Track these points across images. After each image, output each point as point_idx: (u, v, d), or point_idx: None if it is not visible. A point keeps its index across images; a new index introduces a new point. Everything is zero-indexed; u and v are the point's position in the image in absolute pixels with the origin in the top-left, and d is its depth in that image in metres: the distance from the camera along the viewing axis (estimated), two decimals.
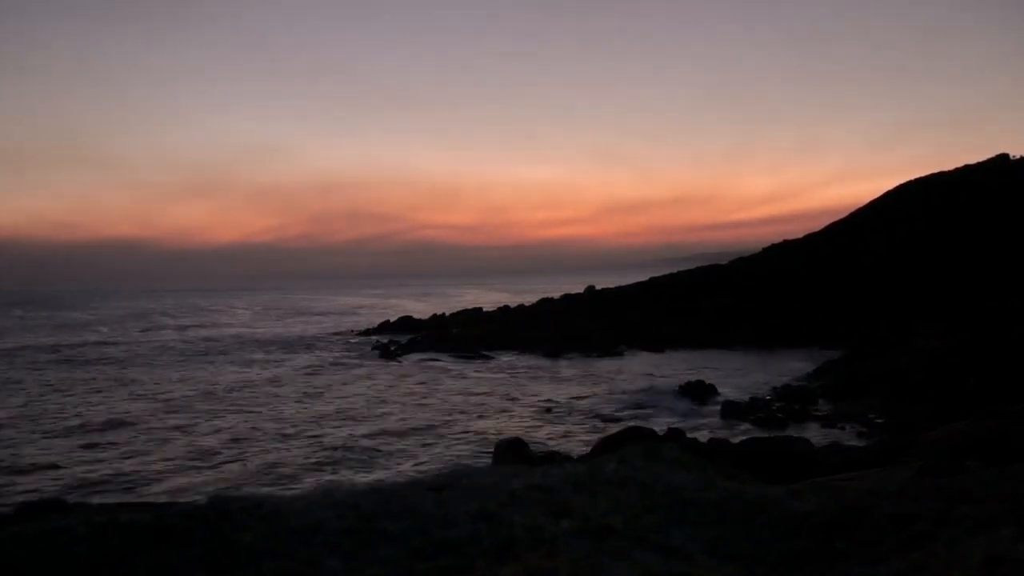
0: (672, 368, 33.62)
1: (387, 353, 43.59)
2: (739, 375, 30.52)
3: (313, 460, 19.34)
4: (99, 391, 31.92)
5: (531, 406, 26.17)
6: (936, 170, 53.79)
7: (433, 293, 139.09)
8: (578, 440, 20.46)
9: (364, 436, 22.06)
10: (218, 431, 23.14)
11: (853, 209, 54.35)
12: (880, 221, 48.56)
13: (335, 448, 20.56)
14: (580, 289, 60.21)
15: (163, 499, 15.09)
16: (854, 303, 39.28)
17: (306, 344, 52.37)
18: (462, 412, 25.45)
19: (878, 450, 13.82)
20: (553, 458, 15.25)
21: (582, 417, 24.10)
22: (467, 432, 22.33)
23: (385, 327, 58.61)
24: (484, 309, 62.71)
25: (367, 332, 57.77)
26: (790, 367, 31.71)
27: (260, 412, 26.27)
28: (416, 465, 18.49)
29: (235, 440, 21.68)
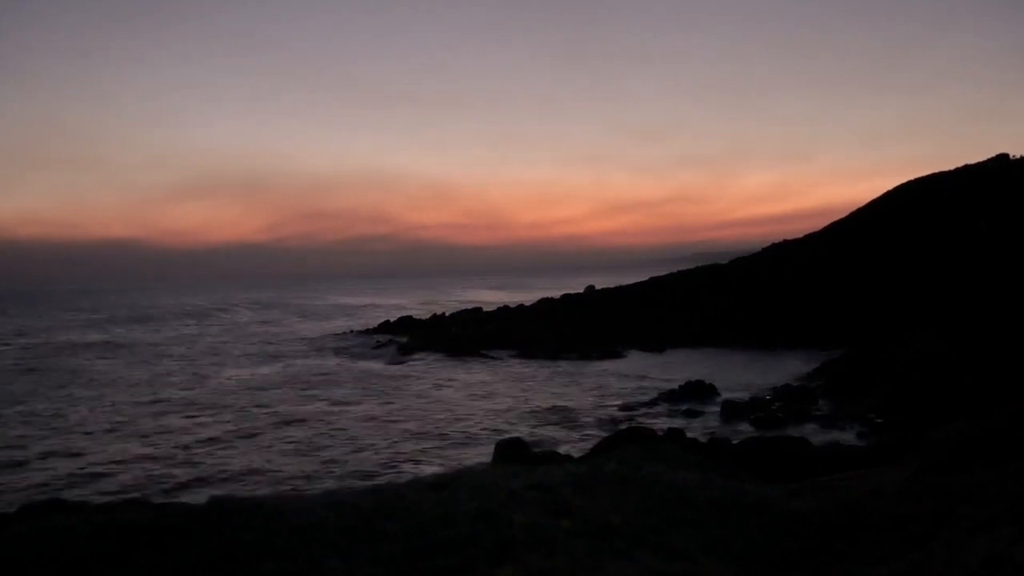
0: (672, 368, 33.58)
1: (387, 353, 43.56)
2: (739, 375, 30.46)
3: (312, 461, 19.34)
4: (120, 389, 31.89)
5: (531, 406, 26.14)
6: (936, 170, 53.82)
7: (431, 293, 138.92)
8: (578, 440, 20.44)
9: (363, 436, 22.06)
10: (211, 429, 23.15)
11: (853, 209, 54.42)
12: (880, 221, 48.47)
13: (333, 448, 20.55)
14: (580, 289, 60.22)
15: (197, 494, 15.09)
16: (854, 303, 39.19)
17: (304, 344, 52.31)
18: (462, 412, 25.43)
19: (878, 450, 13.82)
20: (553, 458, 15.20)
21: (582, 417, 24.07)
22: (467, 432, 22.31)
23: (385, 327, 58.55)
24: (484, 309, 62.67)
25: (367, 332, 57.71)
26: (790, 367, 31.66)
27: (254, 412, 26.25)
28: (416, 465, 18.47)
29: (227, 443, 21.69)
